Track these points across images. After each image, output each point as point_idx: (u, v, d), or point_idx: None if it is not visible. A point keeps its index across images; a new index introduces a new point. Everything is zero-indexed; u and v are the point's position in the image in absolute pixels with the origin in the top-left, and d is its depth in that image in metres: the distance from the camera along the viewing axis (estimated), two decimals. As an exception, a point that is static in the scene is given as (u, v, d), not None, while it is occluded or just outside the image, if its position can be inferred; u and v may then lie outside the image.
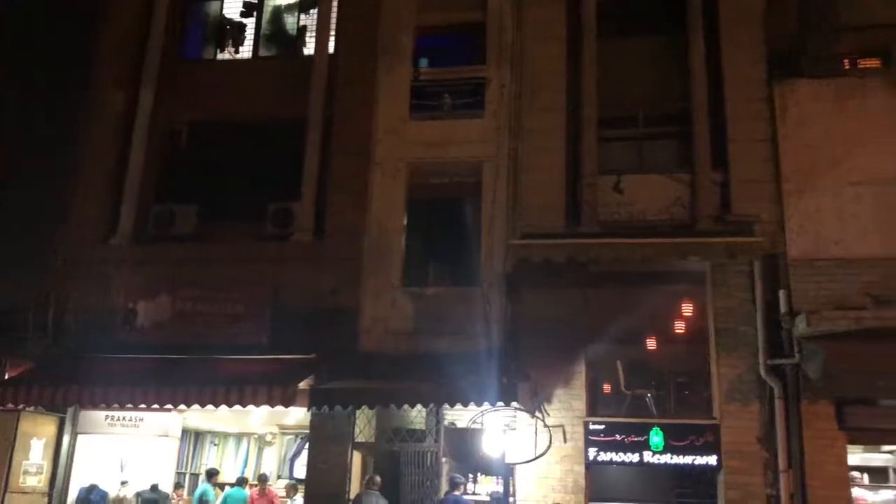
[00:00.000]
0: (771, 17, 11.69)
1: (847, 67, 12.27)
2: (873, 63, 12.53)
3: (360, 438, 11.37)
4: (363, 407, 10.68)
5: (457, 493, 10.69)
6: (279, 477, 14.74)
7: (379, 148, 12.29)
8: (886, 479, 14.15)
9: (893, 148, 10.85)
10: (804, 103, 11.24)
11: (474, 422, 10.95)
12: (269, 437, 15.19)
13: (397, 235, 11.97)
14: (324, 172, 12.38)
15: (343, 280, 11.73)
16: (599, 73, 11.88)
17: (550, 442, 10.50)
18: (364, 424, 11.41)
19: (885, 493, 12.80)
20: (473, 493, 11.83)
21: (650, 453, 10.52)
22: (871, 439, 12.40)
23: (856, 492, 12.10)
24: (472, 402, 9.99)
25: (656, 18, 12.38)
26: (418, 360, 10.90)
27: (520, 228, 11.43)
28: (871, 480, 13.38)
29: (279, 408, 10.08)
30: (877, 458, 14.64)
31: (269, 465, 15.08)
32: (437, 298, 11.61)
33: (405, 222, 12.14)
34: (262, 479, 13.17)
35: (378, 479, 10.86)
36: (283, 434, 15.06)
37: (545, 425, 10.58)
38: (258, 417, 12.89)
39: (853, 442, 10.74)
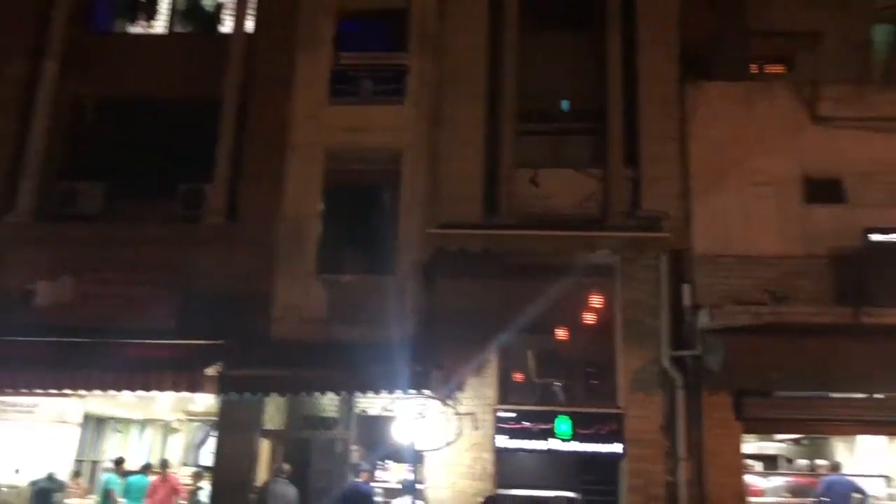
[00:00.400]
0: (685, 19, 12.04)
1: (755, 72, 12.83)
2: (779, 69, 13.14)
3: (269, 426, 11.22)
4: (273, 394, 10.52)
5: (359, 480, 10.68)
6: (185, 465, 14.38)
7: (296, 132, 12.08)
8: (778, 467, 14.91)
9: (794, 151, 11.36)
10: (713, 104, 11.64)
11: (386, 409, 10.95)
12: (175, 424, 14.81)
13: (313, 221, 11.81)
14: (238, 154, 12.09)
15: (256, 265, 11.50)
16: (519, 67, 12.01)
17: (461, 430, 10.60)
18: (274, 412, 11.26)
19: (776, 480, 13.47)
20: (383, 481, 11.86)
21: (557, 441, 10.75)
22: (766, 429, 13.02)
23: (749, 479, 12.69)
24: (384, 390, 10.00)
25: (577, 15, 12.57)
26: (331, 348, 10.80)
27: (437, 218, 11.45)
28: (764, 468, 14.08)
29: (186, 394, 9.83)
30: (770, 447, 15.39)
31: (175, 452, 14.69)
32: (352, 286, 11.53)
33: (321, 208, 11.98)
34: (164, 465, 12.82)
35: (287, 466, 10.74)
36: (191, 421, 14.69)
37: (456, 413, 10.67)
38: (164, 403, 12.53)
39: (749, 431, 11.25)
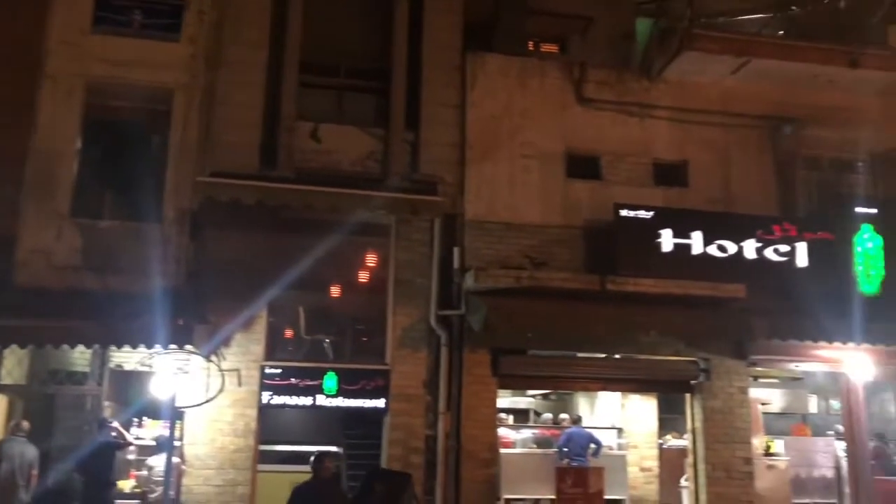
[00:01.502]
0: (471, -12, 12.32)
1: (531, 49, 13.46)
2: (553, 48, 13.90)
3: (7, 380, 10.23)
4: (13, 346, 9.57)
5: (108, 435, 10.14)
6: None
7: (51, 60, 10.87)
8: (528, 420, 16.13)
9: (560, 128, 12.09)
10: (492, 76, 12.06)
11: (143, 364, 10.39)
12: None
13: (68, 159, 10.77)
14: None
15: (-2, 204, 10.33)
16: (306, 17, 11.64)
17: (223, 385, 10.31)
18: (13, 365, 10.27)
19: (526, 432, 14.57)
20: (138, 438, 11.31)
21: (323, 397, 10.79)
22: (519, 385, 14.00)
23: (502, 431, 13.60)
24: (141, 344, 9.46)
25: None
26: (84, 298, 9.98)
27: (210, 165, 10.90)
28: (515, 421, 15.16)
29: None
30: (522, 402, 16.61)
31: None
32: (111, 232, 10.71)
33: (79, 146, 10.95)
34: None
35: (26, 424, 9.90)
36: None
37: (220, 369, 10.36)
38: None
39: (504, 387, 12.00)
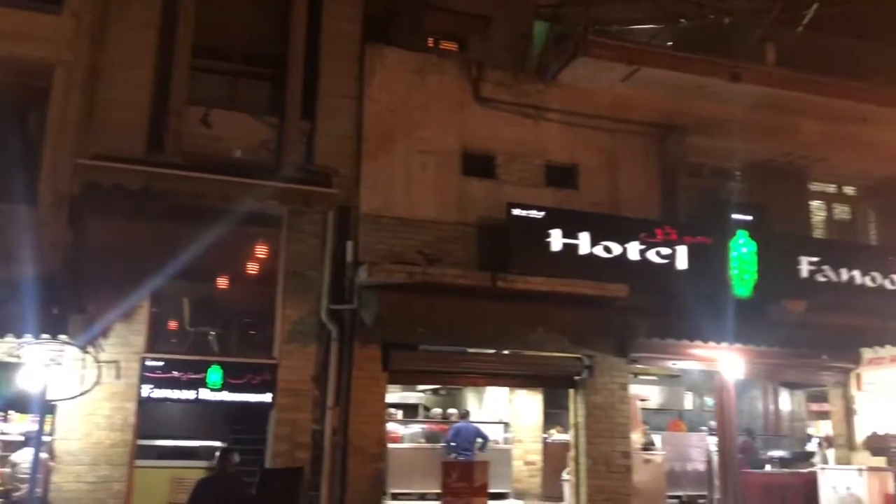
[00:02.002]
0: (372, -20, 12.24)
1: (431, 45, 13.50)
2: (452, 46, 13.99)
3: None
4: None
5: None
6: None
7: (-85, 25, 10.13)
8: (417, 415, 16.22)
9: (457, 126, 12.18)
10: (390, 70, 12.01)
11: (11, 355, 9.77)
12: None
13: (-67, 134, 10.05)
14: None
15: None
16: (200, -1, 11.28)
17: (99, 378, 9.86)
18: None
19: (414, 427, 14.65)
20: (3, 433, 10.67)
21: (207, 391, 10.49)
22: (410, 380, 14.09)
23: (391, 426, 13.64)
24: (9, 333, 8.92)
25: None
26: (-54, 283, 9.36)
27: (93, 148, 10.38)
28: (404, 416, 15.22)
29: None
30: (412, 397, 16.69)
31: None
32: (-21, 213, 10.06)
33: (-54, 120, 10.24)
34: None
35: None
36: None
37: (96, 361, 9.90)
38: None
39: (394, 382, 12.03)
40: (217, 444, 12.01)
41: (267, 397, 10.68)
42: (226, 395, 10.56)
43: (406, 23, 12.48)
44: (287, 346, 10.86)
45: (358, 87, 11.83)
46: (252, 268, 11.79)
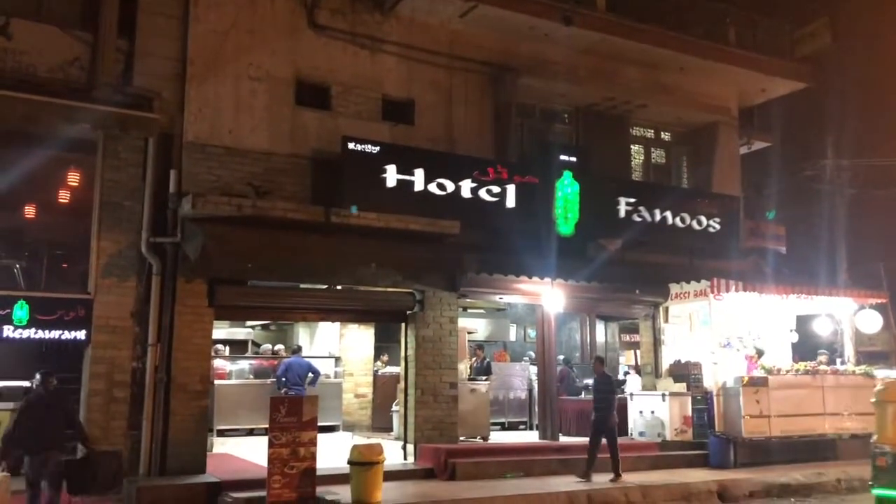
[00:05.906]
0: None
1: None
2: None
3: None
4: None
5: None
6: None
7: None
8: (247, 351, 15.92)
9: (291, 53, 11.70)
10: (219, -11, 11.30)
11: None
12: None
13: None
14: None
15: None
16: None
17: None
18: None
19: (242, 363, 14.38)
20: None
21: (12, 328, 9.72)
22: (238, 316, 13.72)
23: (217, 363, 13.28)
24: None
25: None
26: None
27: None
28: (232, 352, 14.88)
29: None
30: (240, 333, 16.34)
31: None
32: None
33: None
34: None
35: None
36: None
37: None
38: None
39: (221, 318, 11.66)
40: (25, 383, 11.20)
41: (81, 334, 10.04)
42: (34, 332, 9.82)
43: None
44: (104, 280, 10.21)
45: (184, 5, 11.06)
46: (63, 196, 10.94)
